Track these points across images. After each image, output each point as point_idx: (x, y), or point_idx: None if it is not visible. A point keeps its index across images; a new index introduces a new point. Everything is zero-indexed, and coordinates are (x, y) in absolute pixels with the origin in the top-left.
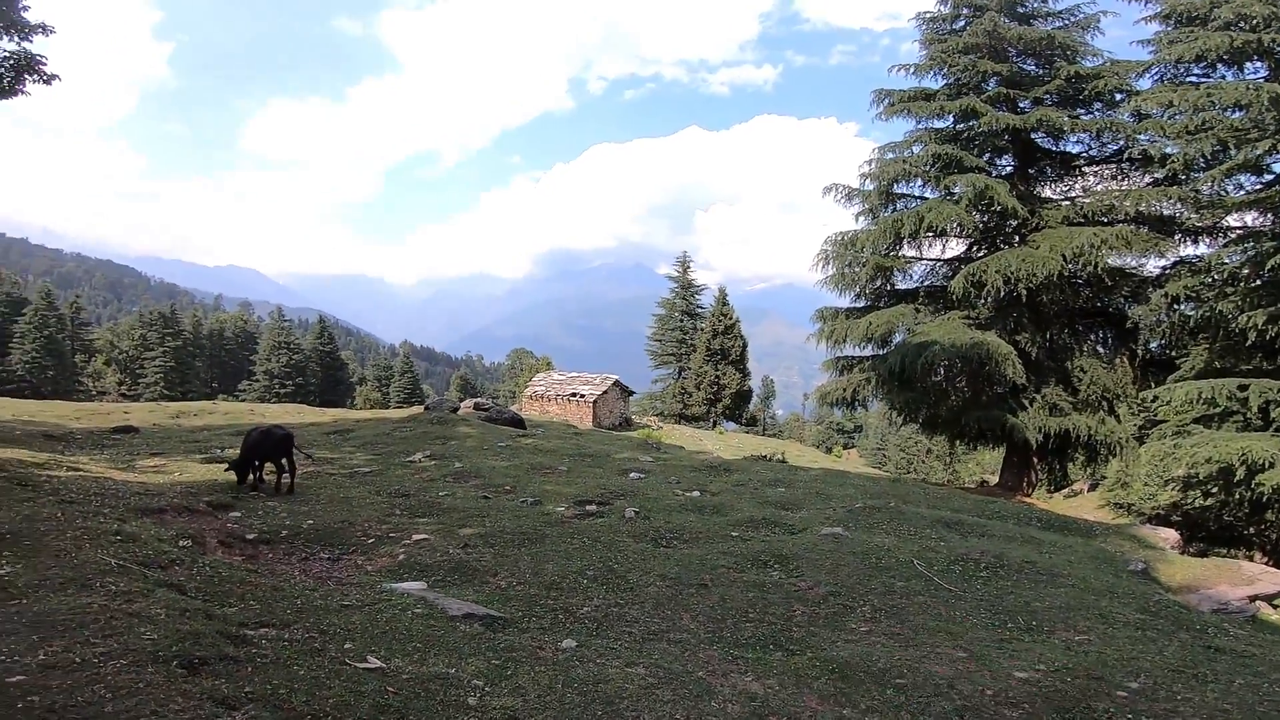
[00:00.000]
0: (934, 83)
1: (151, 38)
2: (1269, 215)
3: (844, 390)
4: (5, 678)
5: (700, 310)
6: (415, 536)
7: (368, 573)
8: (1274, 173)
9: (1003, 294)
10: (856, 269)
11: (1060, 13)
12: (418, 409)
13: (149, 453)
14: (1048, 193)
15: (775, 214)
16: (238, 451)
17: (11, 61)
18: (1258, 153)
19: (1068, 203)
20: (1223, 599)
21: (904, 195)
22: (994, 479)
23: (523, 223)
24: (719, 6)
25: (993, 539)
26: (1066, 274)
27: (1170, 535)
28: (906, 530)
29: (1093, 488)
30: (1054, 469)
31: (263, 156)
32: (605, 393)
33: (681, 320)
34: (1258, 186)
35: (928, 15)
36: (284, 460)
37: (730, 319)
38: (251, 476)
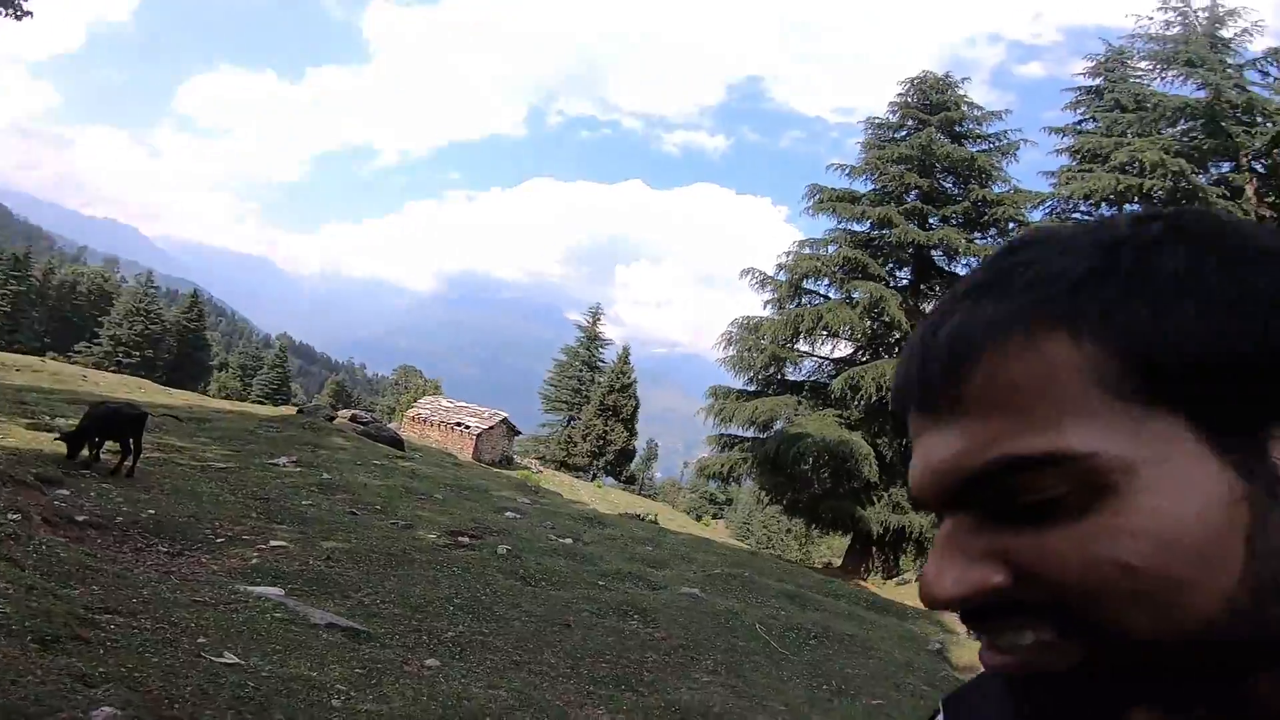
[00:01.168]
0: (863, 186)
1: None
2: None
3: (723, 466)
4: None
5: (601, 364)
6: (272, 543)
7: (214, 572)
8: None
9: (874, 399)
10: (755, 354)
11: (989, 135)
12: (288, 410)
13: None
14: (929, 308)
15: (693, 283)
16: (75, 422)
17: None
18: None
19: None
20: None
21: (810, 291)
22: (839, 561)
23: (444, 239)
24: (693, 70)
25: (824, 612)
26: None
27: None
28: (755, 598)
29: (919, 578)
30: (889, 558)
31: (193, 119)
32: (492, 428)
33: (581, 370)
34: None
35: (876, 121)
36: (130, 441)
37: (629, 378)
38: (88, 453)
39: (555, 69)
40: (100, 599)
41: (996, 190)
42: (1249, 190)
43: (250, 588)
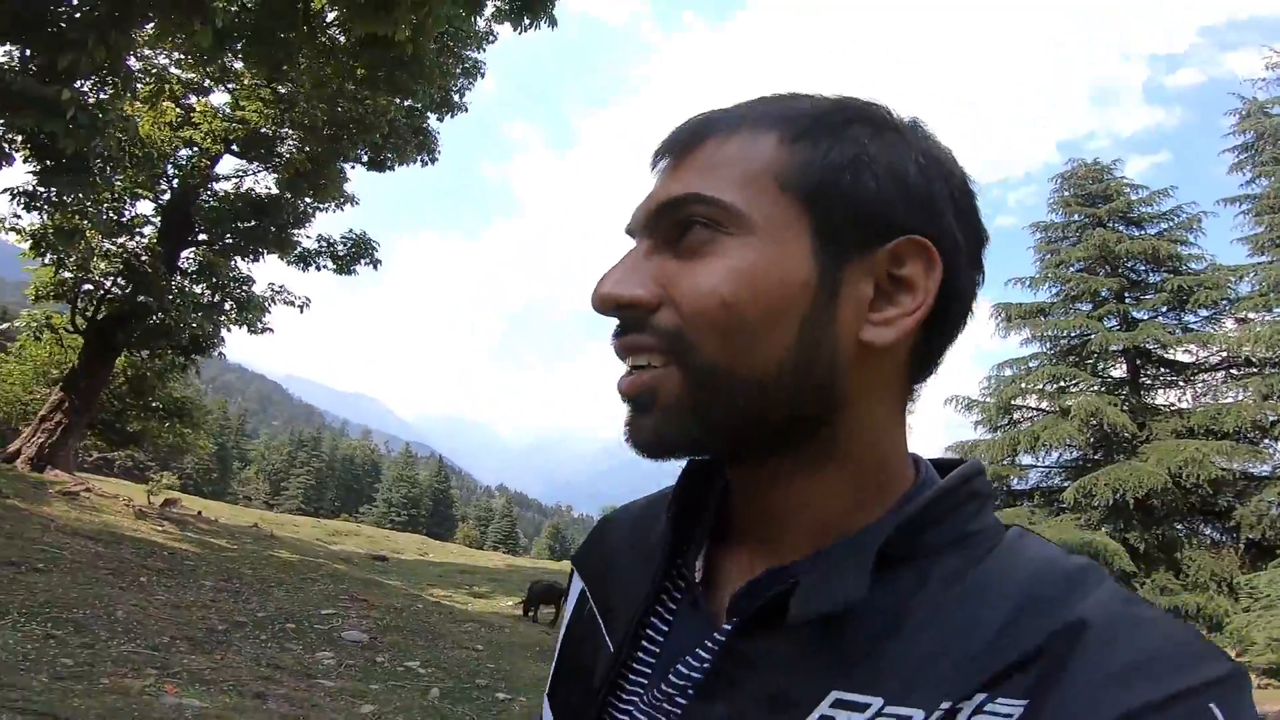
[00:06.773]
0: (1046, 294)
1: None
2: None
3: None
4: None
5: None
6: None
7: None
8: None
9: (1111, 501)
10: None
11: (1165, 214)
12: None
13: (425, 583)
14: (1159, 400)
15: None
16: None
17: (356, 248)
18: None
19: (1176, 415)
20: None
21: (1020, 407)
22: None
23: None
24: None
25: None
26: (1173, 482)
27: None
28: None
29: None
30: None
31: (402, 288)
32: None
33: None
34: None
35: (1043, 224)
36: (558, 603)
37: None
38: (532, 613)
39: None
40: None
41: (1194, 269)
42: None
43: None
